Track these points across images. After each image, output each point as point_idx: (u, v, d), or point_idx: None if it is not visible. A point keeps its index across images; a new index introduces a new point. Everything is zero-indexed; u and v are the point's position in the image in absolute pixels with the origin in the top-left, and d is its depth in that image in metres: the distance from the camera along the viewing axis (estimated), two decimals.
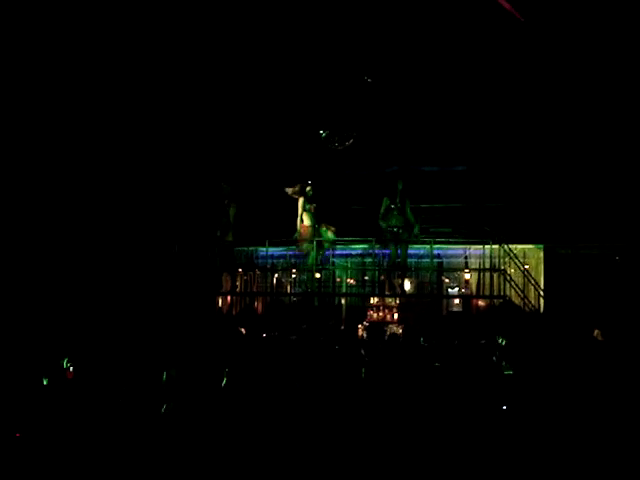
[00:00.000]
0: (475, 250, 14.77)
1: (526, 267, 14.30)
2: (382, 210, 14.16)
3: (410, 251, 14.93)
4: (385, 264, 14.97)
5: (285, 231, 14.68)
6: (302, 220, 14.42)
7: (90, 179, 14.84)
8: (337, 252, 15.50)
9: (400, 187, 14.10)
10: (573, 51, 14.30)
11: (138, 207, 15.40)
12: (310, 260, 14.41)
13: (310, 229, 14.32)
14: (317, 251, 14.18)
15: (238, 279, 15.80)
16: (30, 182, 14.06)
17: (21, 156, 14.02)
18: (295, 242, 14.53)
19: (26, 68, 13.76)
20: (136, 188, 15.43)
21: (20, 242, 13.70)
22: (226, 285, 15.45)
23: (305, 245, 14.40)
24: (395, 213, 14.24)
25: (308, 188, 14.48)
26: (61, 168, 14.52)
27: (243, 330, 11.66)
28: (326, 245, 14.75)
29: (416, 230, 14.21)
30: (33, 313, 12.13)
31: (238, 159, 16.70)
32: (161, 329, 11.66)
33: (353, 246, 15.36)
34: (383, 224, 14.13)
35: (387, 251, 14.86)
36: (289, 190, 14.55)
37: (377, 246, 14.51)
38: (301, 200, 14.42)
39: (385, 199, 14.19)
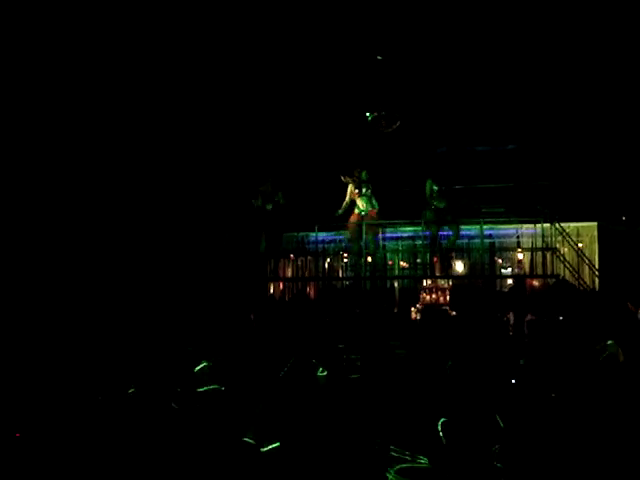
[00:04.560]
0: (527, 229, 14.52)
1: (580, 245, 14.02)
2: (427, 192, 14.13)
3: (463, 232, 14.80)
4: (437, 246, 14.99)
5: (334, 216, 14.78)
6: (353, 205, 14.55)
7: (153, 182, 15.40)
8: (388, 235, 15.45)
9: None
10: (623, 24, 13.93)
11: (190, 200, 15.74)
12: (355, 246, 14.51)
13: (358, 216, 14.41)
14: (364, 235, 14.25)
15: (290, 264, 15.92)
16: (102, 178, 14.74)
17: (85, 154, 14.63)
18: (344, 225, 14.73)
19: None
20: (188, 184, 15.81)
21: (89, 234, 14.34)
22: (281, 271, 15.70)
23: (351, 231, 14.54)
24: (435, 195, 14.14)
25: (364, 172, 14.49)
26: (129, 167, 15.13)
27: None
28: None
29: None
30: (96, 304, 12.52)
31: (287, 146, 16.80)
32: (214, 316, 11.89)
33: (403, 228, 15.27)
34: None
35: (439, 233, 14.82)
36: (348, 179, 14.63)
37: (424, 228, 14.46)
38: (350, 187, 14.50)
39: (428, 181, 14.13)
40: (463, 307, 12.49)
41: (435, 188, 13.93)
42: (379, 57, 15.69)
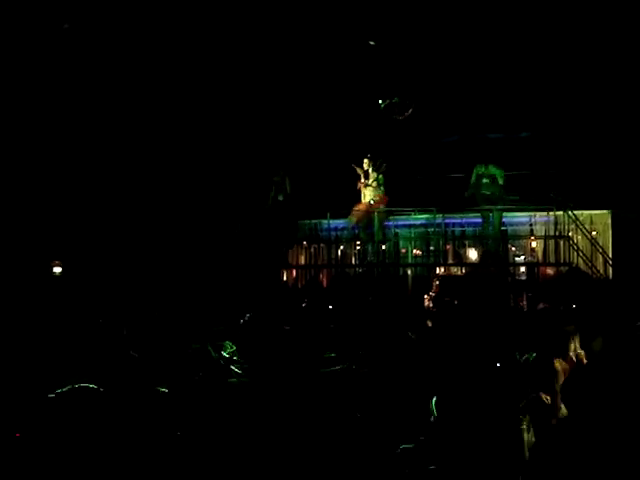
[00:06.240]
0: (540, 217, 14.45)
1: (593, 233, 13.95)
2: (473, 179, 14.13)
3: (475, 220, 14.79)
4: (450, 234, 15.03)
5: (347, 203, 14.83)
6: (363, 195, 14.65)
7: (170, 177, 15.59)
8: (400, 223, 15.45)
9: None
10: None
11: (205, 192, 15.86)
12: (362, 234, 14.64)
13: (364, 206, 14.52)
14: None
15: (303, 252, 15.96)
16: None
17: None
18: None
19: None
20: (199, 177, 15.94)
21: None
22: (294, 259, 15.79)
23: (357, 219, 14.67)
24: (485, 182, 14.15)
25: (366, 161, 14.59)
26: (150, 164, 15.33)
27: None
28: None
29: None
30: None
31: (300, 133, 16.80)
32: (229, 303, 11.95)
33: (416, 216, 15.26)
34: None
35: (450, 221, 14.83)
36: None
37: (439, 216, 14.44)
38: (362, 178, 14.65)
39: (477, 167, 14.14)
40: (452, 298, 12.45)
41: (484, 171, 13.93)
42: (371, 42, 15.63)
